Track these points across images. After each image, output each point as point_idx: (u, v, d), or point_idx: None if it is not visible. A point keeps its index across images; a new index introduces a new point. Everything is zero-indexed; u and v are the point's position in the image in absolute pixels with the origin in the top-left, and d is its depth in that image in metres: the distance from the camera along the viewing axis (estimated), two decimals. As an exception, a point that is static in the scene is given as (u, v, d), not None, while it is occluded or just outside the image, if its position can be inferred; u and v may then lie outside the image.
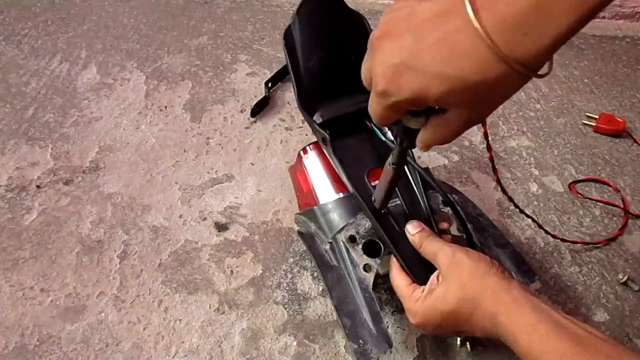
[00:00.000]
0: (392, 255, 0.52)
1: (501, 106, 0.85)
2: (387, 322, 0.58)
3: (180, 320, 0.59)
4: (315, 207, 0.59)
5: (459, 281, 0.45)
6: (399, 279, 0.51)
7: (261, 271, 0.63)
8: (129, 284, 0.62)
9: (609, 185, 0.73)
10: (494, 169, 0.51)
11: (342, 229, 0.55)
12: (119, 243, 0.66)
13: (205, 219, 0.69)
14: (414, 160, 0.57)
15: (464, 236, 0.54)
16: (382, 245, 0.54)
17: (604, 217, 0.70)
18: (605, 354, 0.37)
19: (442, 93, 0.30)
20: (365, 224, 0.55)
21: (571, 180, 0.74)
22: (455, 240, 0.54)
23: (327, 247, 0.56)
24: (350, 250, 0.54)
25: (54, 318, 0.59)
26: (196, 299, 0.61)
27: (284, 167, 0.75)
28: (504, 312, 0.42)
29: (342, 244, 0.54)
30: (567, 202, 0.72)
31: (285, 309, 0.60)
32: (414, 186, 0.57)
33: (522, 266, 0.56)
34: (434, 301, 0.46)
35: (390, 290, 0.60)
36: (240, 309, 0.60)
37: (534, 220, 0.62)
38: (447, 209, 0.56)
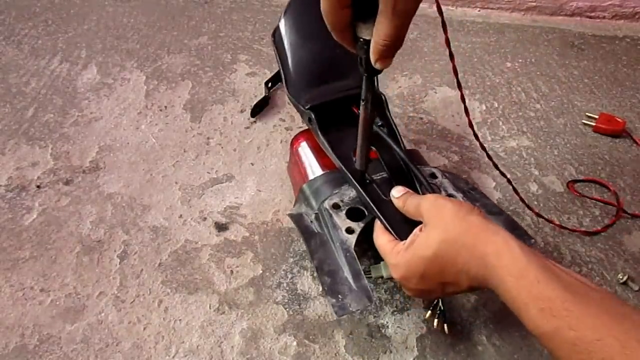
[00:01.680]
0: (377, 220, 0.53)
1: (501, 106, 0.86)
2: (386, 318, 0.58)
3: (180, 320, 0.59)
4: (304, 185, 0.60)
5: (441, 223, 0.43)
6: (382, 238, 0.50)
7: (261, 271, 0.63)
8: (129, 284, 0.62)
9: (605, 186, 0.73)
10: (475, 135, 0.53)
11: (326, 198, 0.56)
12: (119, 243, 0.66)
13: (205, 219, 0.69)
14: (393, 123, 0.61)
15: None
16: (365, 211, 0.55)
17: (603, 217, 0.70)
18: (597, 302, 0.35)
19: None
20: (349, 193, 0.57)
21: (569, 179, 0.74)
22: None
23: (313, 217, 0.57)
24: (334, 215, 0.55)
25: (54, 318, 0.59)
26: (196, 299, 0.61)
27: (284, 167, 0.75)
28: (492, 253, 0.40)
29: (326, 211, 0.55)
30: (567, 202, 0.72)
31: (285, 309, 0.60)
32: (401, 160, 0.58)
33: (517, 230, 0.55)
34: (416, 249, 0.45)
35: (391, 291, 0.61)
36: (240, 309, 0.60)
37: (519, 197, 0.62)
38: (435, 181, 0.57)
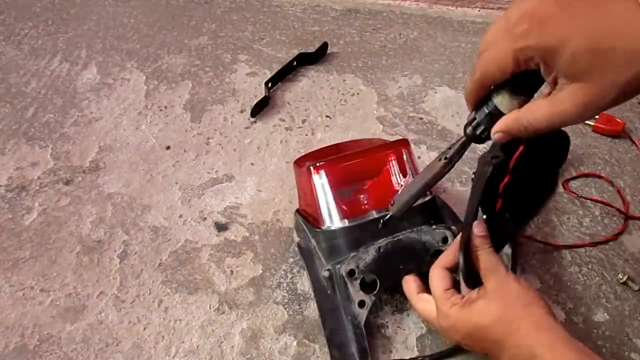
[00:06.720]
0: (439, 259, 0.51)
1: (501, 106, 0.85)
2: (386, 318, 0.58)
3: (180, 320, 0.59)
4: (319, 231, 0.58)
5: (503, 301, 0.43)
6: (439, 281, 0.49)
7: (261, 271, 0.63)
8: (129, 284, 0.62)
9: (602, 177, 0.73)
10: None
11: (343, 260, 0.55)
12: (119, 243, 0.66)
13: (205, 219, 0.69)
14: None
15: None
16: (378, 283, 0.55)
17: (603, 217, 0.70)
18: None
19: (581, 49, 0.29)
20: (366, 258, 0.55)
21: (566, 178, 0.74)
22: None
23: (326, 274, 0.56)
24: (348, 284, 0.54)
25: (54, 318, 0.59)
26: (196, 299, 0.61)
27: (284, 167, 0.75)
28: (545, 345, 0.40)
29: (340, 277, 0.54)
30: (566, 203, 0.72)
31: (285, 309, 0.60)
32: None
33: None
34: (471, 312, 0.45)
35: (391, 290, 0.60)
36: (240, 309, 0.60)
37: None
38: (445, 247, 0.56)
